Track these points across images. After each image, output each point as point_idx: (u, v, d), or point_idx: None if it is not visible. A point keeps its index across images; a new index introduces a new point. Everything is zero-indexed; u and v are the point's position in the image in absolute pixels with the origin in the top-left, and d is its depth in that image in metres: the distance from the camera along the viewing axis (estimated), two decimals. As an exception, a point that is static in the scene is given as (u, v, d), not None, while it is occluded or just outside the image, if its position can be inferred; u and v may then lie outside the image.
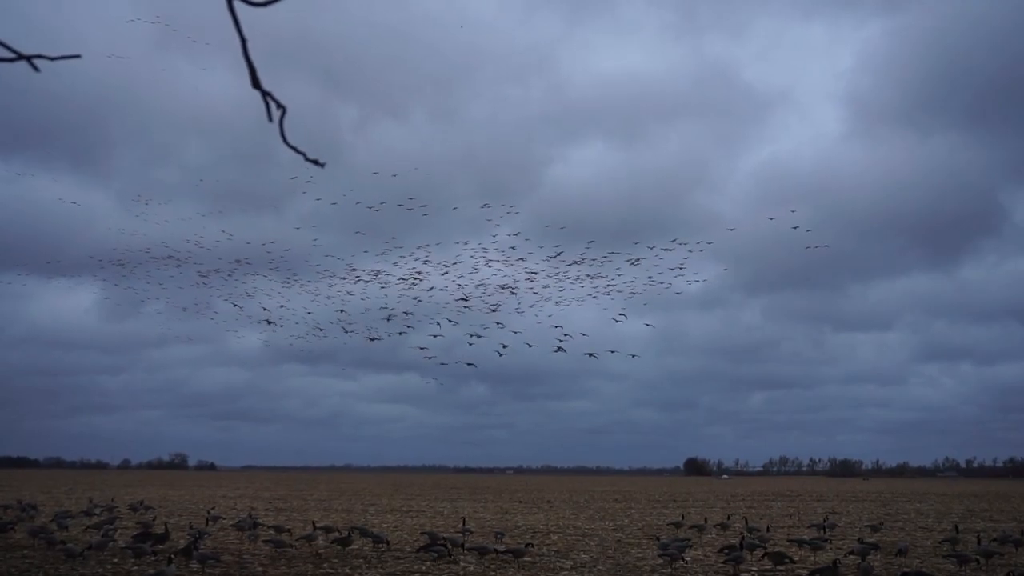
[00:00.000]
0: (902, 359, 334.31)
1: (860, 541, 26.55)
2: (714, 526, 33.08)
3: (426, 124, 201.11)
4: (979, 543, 25.31)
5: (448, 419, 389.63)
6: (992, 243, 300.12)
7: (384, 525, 35.90)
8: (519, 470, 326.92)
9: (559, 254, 31.32)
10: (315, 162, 5.18)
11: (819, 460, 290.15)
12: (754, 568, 22.65)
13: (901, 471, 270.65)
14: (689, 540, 27.13)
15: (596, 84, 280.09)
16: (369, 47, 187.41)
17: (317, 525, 29.44)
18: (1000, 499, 71.94)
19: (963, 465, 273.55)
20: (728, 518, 36.48)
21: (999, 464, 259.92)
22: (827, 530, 31.50)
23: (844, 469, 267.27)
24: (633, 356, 38.20)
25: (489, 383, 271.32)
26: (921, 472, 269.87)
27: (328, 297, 33.38)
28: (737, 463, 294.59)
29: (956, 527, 31.64)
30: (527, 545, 25.57)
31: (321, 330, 34.37)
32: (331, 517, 40.70)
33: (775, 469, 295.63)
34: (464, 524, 31.03)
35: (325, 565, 22.61)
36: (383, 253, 32.56)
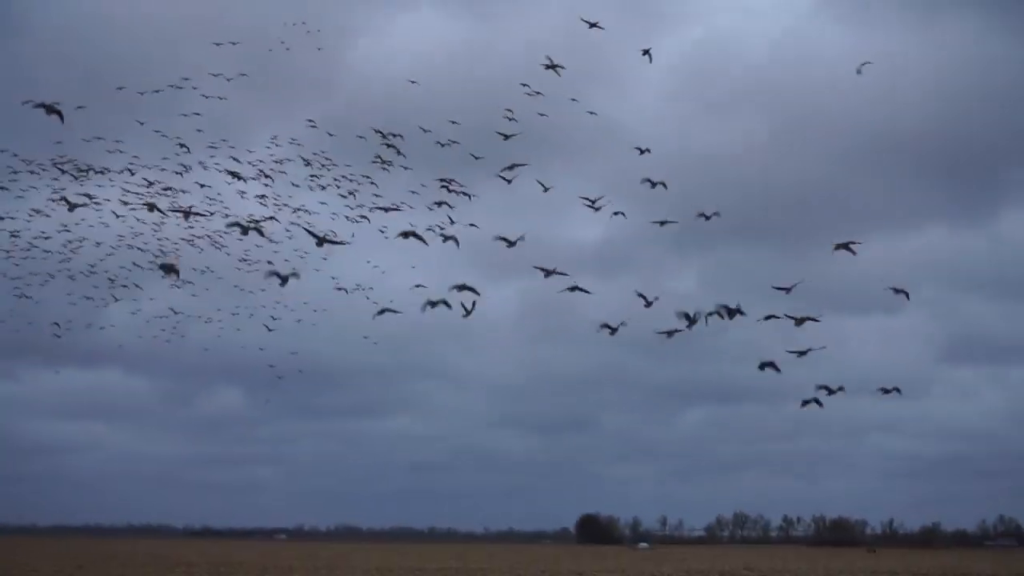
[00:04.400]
0: (920, 359, 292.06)
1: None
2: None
3: None
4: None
5: (178, 446, 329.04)
6: None
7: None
8: (298, 534, 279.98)
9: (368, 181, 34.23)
10: None
11: (798, 519, 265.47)
12: None
13: (928, 537, 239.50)
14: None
15: None
16: None
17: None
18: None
19: None
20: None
21: None
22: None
23: (838, 533, 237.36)
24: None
25: (247, 386, 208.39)
26: (960, 539, 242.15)
27: None
28: (664, 523, 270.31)
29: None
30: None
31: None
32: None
33: (726, 533, 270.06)
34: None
35: None
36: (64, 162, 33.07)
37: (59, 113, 26.47)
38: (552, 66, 35.37)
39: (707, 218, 34.16)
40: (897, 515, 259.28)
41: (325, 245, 31.11)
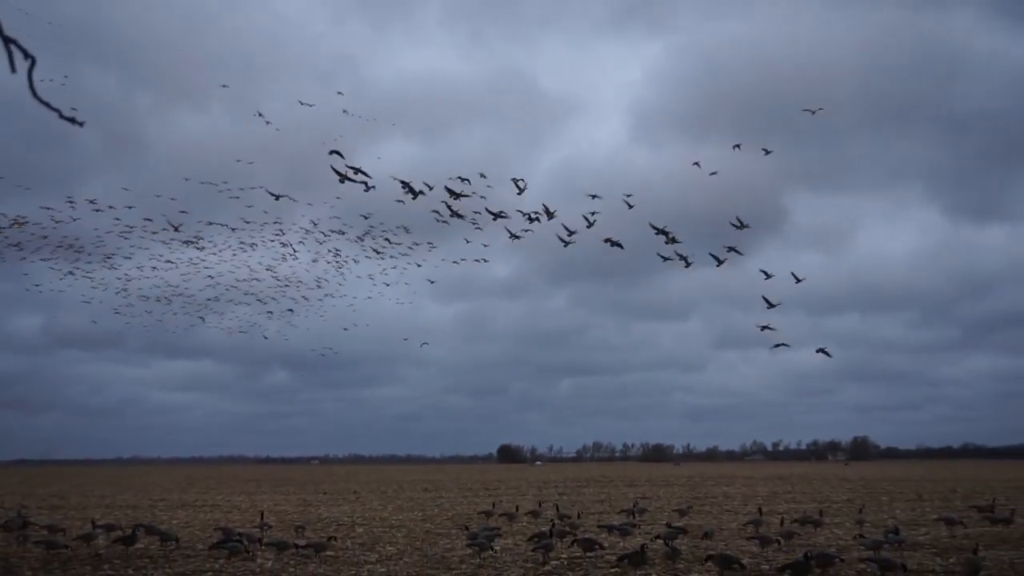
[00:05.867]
0: (702, 346, 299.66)
1: (668, 525, 23.43)
2: (525, 514, 28.65)
3: (226, 115, 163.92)
4: (781, 524, 23.70)
5: (248, 407, 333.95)
6: (775, 241, 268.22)
7: (174, 521, 30.60)
8: (325, 460, 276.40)
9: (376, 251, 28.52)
10: (72, 120, 4.66)
11: (632, 445, 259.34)
12: (563, 555, 19.64)
13: (711, 455, 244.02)
14: (499, 529, 23.66)
15: (398, 84, 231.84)
16: (169, 36, 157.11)
17: (97, 523, 23.93)
18: (802, 481, 66.03)
19: (769, 448, 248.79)
20: (539, 505, 32.40)
21: (802, 447, 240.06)
22: (636, 515, 28.29)
23: (656, 454, 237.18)
24: None
25: (292, 369, 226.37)
26: (730, 456, 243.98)
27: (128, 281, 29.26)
28: (551, 449, 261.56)
29: (760, 509, 29.38)
30: (329, 539, 21.36)
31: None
32: (113, 514, 34.08)
33: (589, 455, 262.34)
34: (262, 518, 25.54)
35: (106, 567, 18.41)
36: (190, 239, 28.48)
37: (339, 153, 22.76)
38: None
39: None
40: (692, 441, 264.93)
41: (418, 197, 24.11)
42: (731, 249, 26.33)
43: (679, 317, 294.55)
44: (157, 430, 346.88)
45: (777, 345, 25.66)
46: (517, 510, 28.89)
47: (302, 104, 28.99)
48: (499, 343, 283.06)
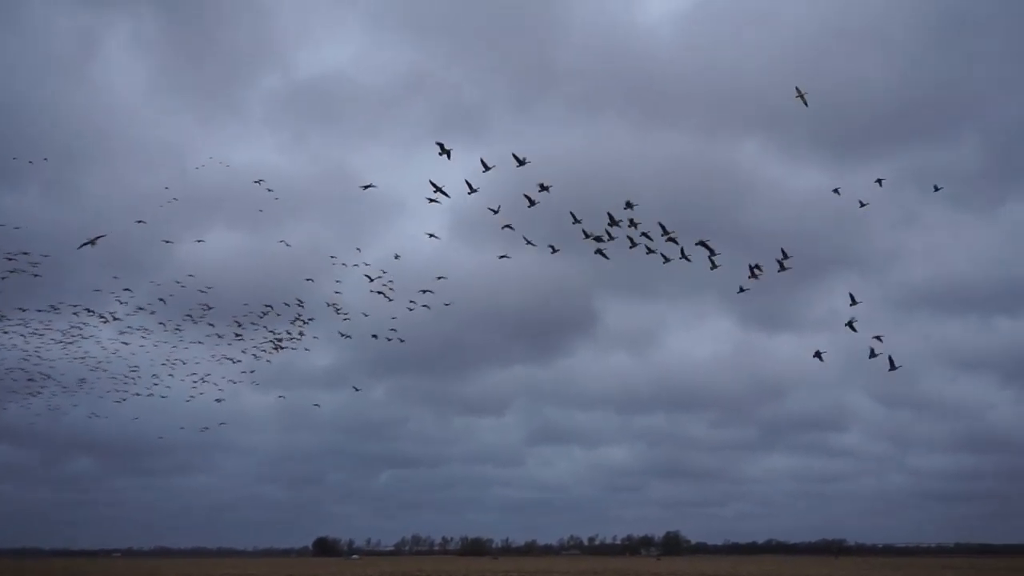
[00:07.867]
0: (518, 441, 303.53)
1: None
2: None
3: (42, 197, 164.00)
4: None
5: (44, 495, 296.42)
6: (586, 341, 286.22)
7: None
8: (128, 552, 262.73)
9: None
10: None
11: (451, 539, 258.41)
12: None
13: (529, 549, 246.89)
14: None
15: (221, 174, 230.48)
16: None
17: None
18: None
19: (586, 543, 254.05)
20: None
21: (617, 541, 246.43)
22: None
23: (475, 547, 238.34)
24: None
25: (96, 456, 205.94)
26: (548, 550, 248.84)
27: None
28: (369, 542, 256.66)
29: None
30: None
31: None
32: None
33: (408, 548, 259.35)
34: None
35: None
36: None
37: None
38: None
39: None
40: (510, 535, 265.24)
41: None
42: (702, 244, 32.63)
43: (496, 412, 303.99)
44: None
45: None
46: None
47: (230, 163, 29.83)
48: (317, 433, 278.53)
